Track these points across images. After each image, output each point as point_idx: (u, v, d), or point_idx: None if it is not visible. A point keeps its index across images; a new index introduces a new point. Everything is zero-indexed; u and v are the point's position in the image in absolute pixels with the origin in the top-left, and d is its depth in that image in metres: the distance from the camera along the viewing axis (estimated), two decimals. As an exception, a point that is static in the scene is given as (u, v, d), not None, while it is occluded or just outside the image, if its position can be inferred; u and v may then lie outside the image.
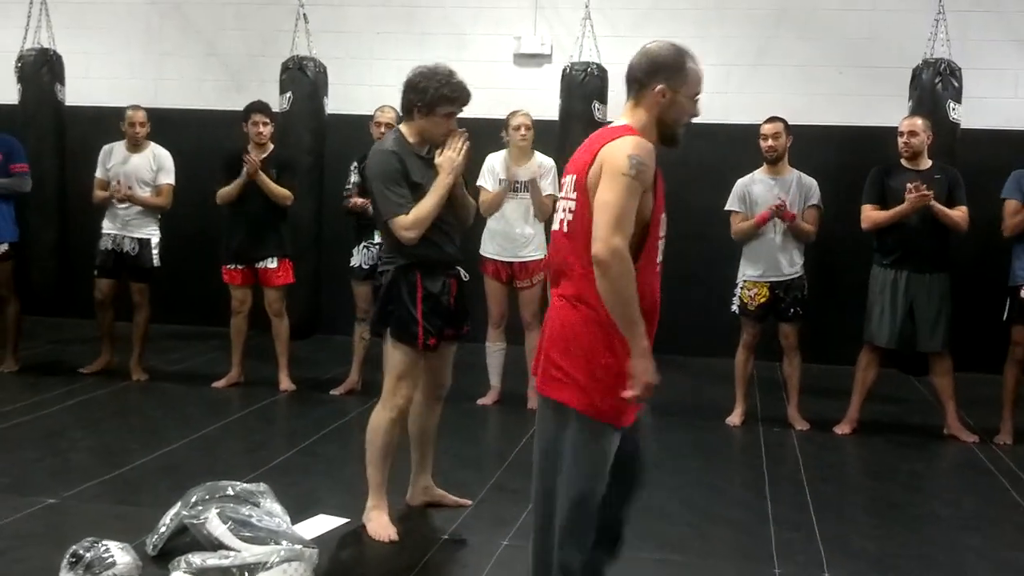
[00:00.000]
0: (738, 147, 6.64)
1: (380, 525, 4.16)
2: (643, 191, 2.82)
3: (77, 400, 6.20)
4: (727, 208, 6.13)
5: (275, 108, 6.77)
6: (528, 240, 6.16)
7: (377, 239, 5.47)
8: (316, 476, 4.94)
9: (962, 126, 6.54)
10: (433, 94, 4.04)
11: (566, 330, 2.92)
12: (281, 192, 6.36)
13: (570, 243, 2.93)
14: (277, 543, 3.65)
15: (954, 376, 5.97)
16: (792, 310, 6.05)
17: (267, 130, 6.44)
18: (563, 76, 7.13)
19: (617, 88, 7.09)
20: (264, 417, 6.13)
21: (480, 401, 6.32)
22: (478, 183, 6.06)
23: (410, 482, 4.53)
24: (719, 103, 7.16)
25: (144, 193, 6.63)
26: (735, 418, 6.16)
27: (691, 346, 7.46)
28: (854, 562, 4.11)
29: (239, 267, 6.52)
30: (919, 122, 5.90)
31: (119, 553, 3.55)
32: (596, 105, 6.99)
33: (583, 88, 7.00)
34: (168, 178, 6.70)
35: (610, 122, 3.06)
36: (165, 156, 6.72)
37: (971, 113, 6.73)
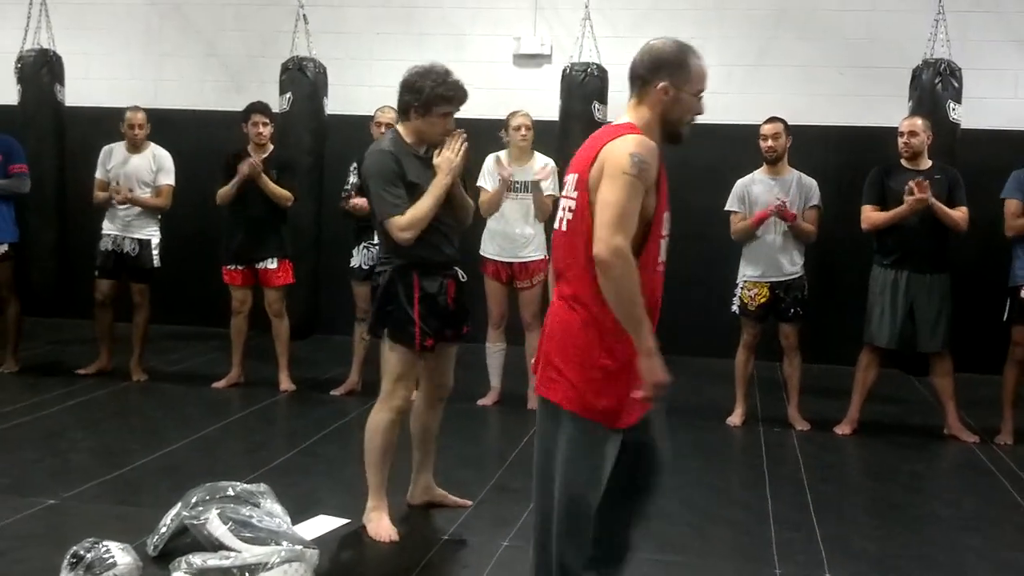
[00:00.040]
0: (738, 147, 6.64)
1: (380, 526, 4.16)
2: (646, 190, 2.79)
3: (77, 401, 6.20)
4: (727, 208, 6.13)
5: (275, 109, 6.77)
6: (528, 240, 6.16)
7: (376, 240, 5.46)
8: (316, 477, 4.93)
9: (962, 126, 6.54)
10: (429, 94, 4.02)
11: (563, 331, 2.91)
12: (282, 193, 6.36)
13: (569, 242, 2.92)
14: (278, 544, 3.65)
15: (954, 376, 5.97)
16: (792, 310, 6.05)
17: (267, 131, 6.44)
18: (563, 76, 7.13)
19: (617, 88, 7.15)
20: (264, 417, 6.12)
21: (480, 401, 6.32)
22: (478, 183, 6.06)
23: (411, 481, 4.53)
24: (719, 103, 7.09)
25: (144, 194, 6.63)
26: (735, 418, 6.16)
27: (691, 346, 7.45)
28: (854, 562, 4.11)
29: (239, 268, 6.52)
30: (919, 122, 5.90)
31: (120, 554, 3.55)
32: (596, 106, 6.99)
33: (583, 88, 7.00)
34: (168, 179, 6.70)
35: (613, 121, 3.03)
36: (165, 157, 6.72)
37: (971, 113, 6.73)
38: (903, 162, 5.90)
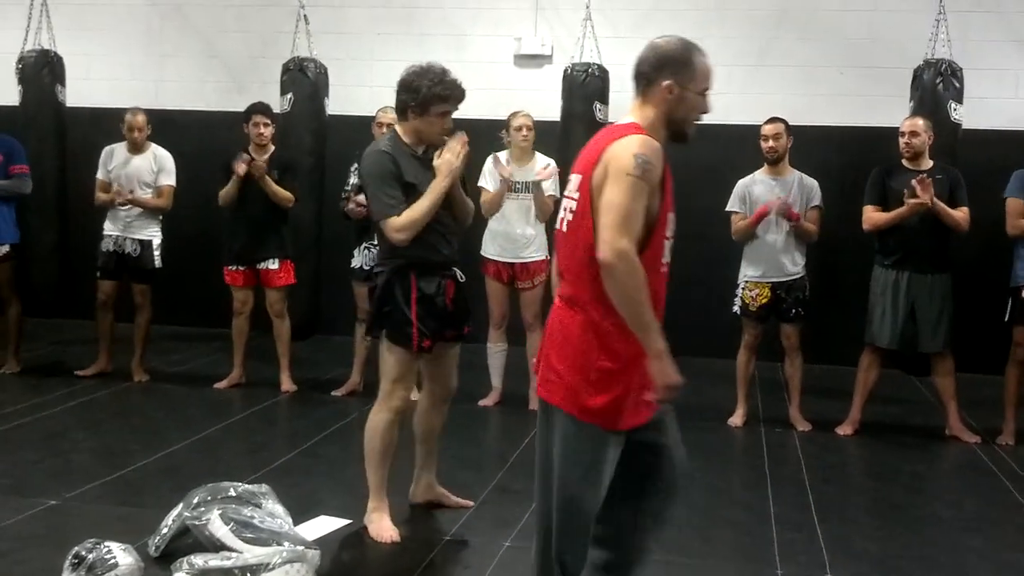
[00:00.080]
0: (739, 148, 6.64)
1: (382, 527, 4.16)
2: (650, 191, 2.75)
3: (78, 401, 6.20)
4: (728, 209, 6.13)
5: (276, 109, 6.77)
6: (529, 241, 6.16)
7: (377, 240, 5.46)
8: (318, 477, 4.93)
9: (963, 127, 6.54)
10: (426, 93, 4.01)
11: (563, 332, 2.90)
12: (283, 194, 6.36)
13: (568, 243, 2.90)
14: (279, 544, 3.65)
15: (956, 377, 5.97)
16: (794, 311, 6.05)
17: (268, 131, 6.44)
18: (564, 77, 7.13)
19: (618, 89, 7.16)
20: (266, 418, 6.12)
21: (481, 402, 6.32)
22: (479, 184, 6.05)
23: (413, 480, 4.53)
24: (720, 103, 7.02)
25: (145, 194, 6.63)
26: (737, 419, 6.16)
27: (692, 347, 7.41)
28: (856, 563, 4.10)
29: (240, 268, 6.53)
30: (920, 122, 5.90)
31: (121, 554, 3.55)
32: (597, 106, 6.99)
33: (584, 89, 6.99)
34: (169, 179, 6.69)
35: (616, 121, 3.00)
36: (166, 157, 6.72)
37: (972, 113, 6.73)
38: (904, 162, 5.90)
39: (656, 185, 2.78)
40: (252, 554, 3.59)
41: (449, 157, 4.08)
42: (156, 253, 6.68)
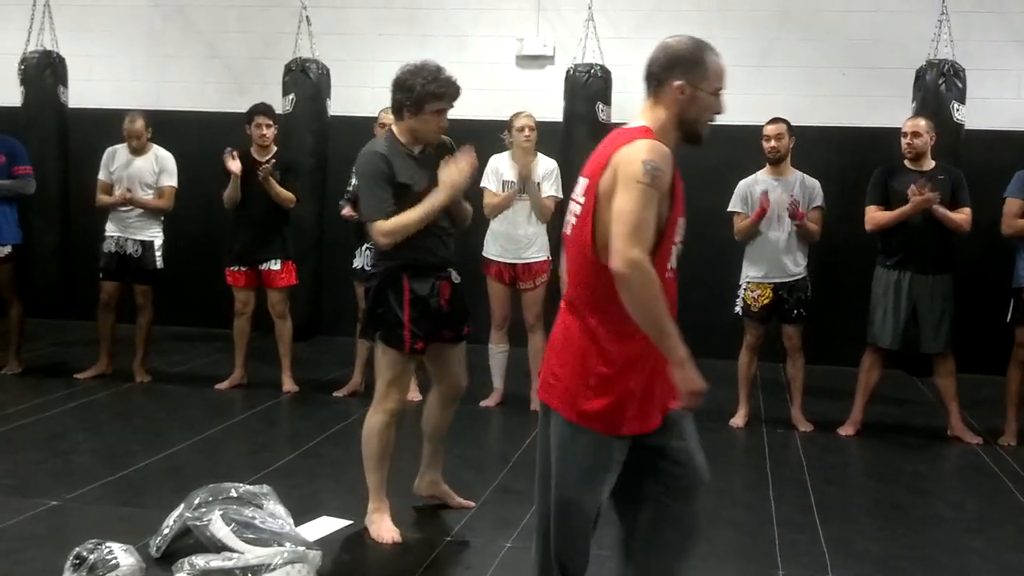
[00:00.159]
0: (740, 148, 6.64)
1: (383, 527, 4.16)
2: (660, 197, 2.69)
3: (79, 402, 6.20)
4: (730, 209, 6.13)
5: (278, 110, 6.78)
6: (531, 241, 6.16)
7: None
8: (319, 478, 4.94)
9: (965, 127, 6.53)
10: (420, 92, 3.98)
11: (564, 335, 2.89)
12: (285, 195, 6.36)
13: (572, 246, 2.88)
14: (280, 545, 3.65)
15: (957, 377, 5.96)
16: (795, 311, 6.04)
17: (270, 132, 6.44)
18: (566, 78, 7.13)
19: (620, 90, 7.16)
20: (267, 419, 6.13)
21: (483, 403, 6.32)
22: (481, 184, 6.05)
23: (419, 473, 4.52)
24: (721, 104, 7.15)
25: (147, 195, 6.63)
26: (738, 419, 6.15)
27: (693, 347, 7.42)
28: (858, 564, 4.10)
29: (242, 269, 6.53)
30: (922, 123, 5.89)
31: (122, 555, 3.55)
32: (600, 106, 6.99)
33: (587, 90, 7.00)
34: (171, 180, 6.70)
35: (626, 123, 2.96)
36: (168, 158, 6.72)
37: (974, 114, 6.72)
38: (906, 163, 5.89)
39: (666, 191, 2.72)
40: (253, 555, 3.59)
41: (455, 176, 4.02)
42: (158, 254, 6.68)
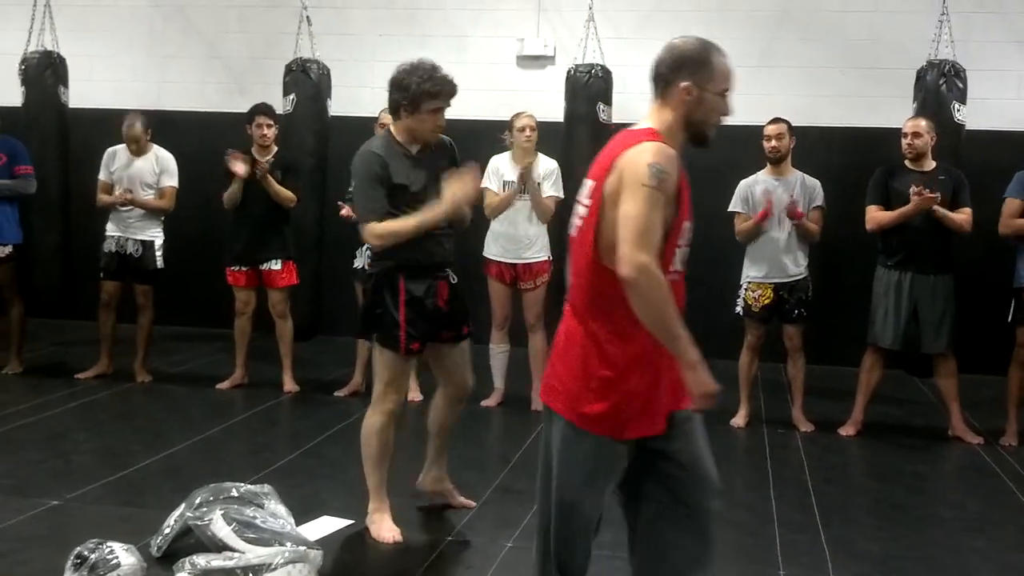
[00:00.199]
0: (741, 148, 6.63)
1: (383, 527, 4.16)
2: (666, 200, 2.66)
3: (80, 402, 6.20)
4: (730, 209, 6.13)
5: (279, 110, 6.77)
6: (532, 241, 6.16)
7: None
8: (320, 478, 4.93)
9: (966, 127, 6.53)
10: (416, 90, 3.97)
11: (567, 338, 2.87)
12: (285, 194, 6.36)
13: (575, 249, 2.86)
14: (281, 544, 3.65)
15: (958, 378, 5.96)
16: (796, 311, 6.04)
17: (271, 132, 6.44)
18: (567, 78, 7.13)
19: (621, 90, 7.16)
20: (268, 419, 6.13)
21: (484, 403, 6.31)
22: (482, 185, 6.05)
23: (424, 468, 4.52)
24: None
25: (147, 196, 6.63)
26: (739, 420, 6.15)
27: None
28: (858, 564, 4.10)
29: (243, 269, 6.53)
30: (923, 123, 5.89)
31: (123, 555, 3.55)
32: (601, 107, 6.99)
33: (587, 90, 6.99)
34: (171, 181, 6.69)
35: (627, 123, 2.93)
36: (168, 159, 6.72)
37: (974, 114, 6.71)
38: (907, 163, 5.89)
39: (672, 194, 2.70)
40: (254, 554, 3.59)
41: (459, 194, 3.98)
42: (158, 254, 6.68)
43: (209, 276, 7.29)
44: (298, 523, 4.05)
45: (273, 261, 6.49)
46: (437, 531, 4.30)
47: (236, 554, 3.61)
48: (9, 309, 6.79)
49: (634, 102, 7.08)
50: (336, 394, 6.52)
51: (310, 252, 6.96)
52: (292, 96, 7.08)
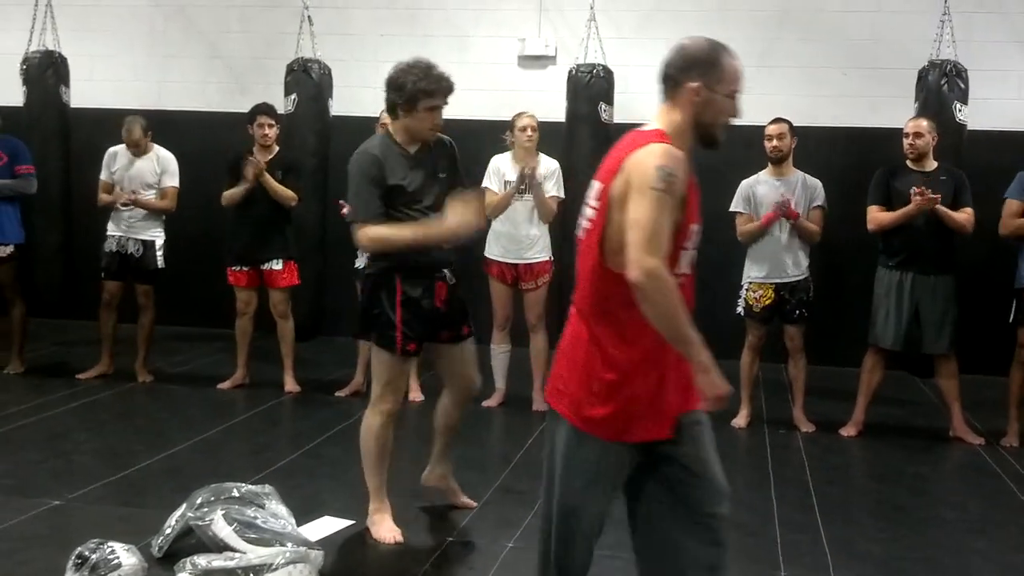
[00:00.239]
0: (742, 149, 6.62)
1: (384, 528, 4.16)
2: (675, 203, 2.63)
3: (81, 402, 6.20)
4: (732, 209, 6.12)
5: (280, 110, 6.77)
6: (533, 242, 6.15)
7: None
8: (321, 478, 4.93)
9: (968, 128, 6.53)
10: (412, 89, 3.96)
11: (572, 341, 2.86)
12: (286, 193, 6.36)
13: (581, 252, 2.84)
14: (282, 545, 3.65)
15: (960, 378, 5.96)
16: (797, 312, 6.04)
17: (272, 132, 6.44)
18: (569, 78, 7.12)
19: (622, 90, 7.16)
20: (269, 419, 6.13)
21: (485, 403, 6.31)
22: (483, 184, 6.05)
23: (429, 465, 4.52)
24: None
25: (148, 196, 6.63)
26: (740, 420, 6.15)
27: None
28: (860, 564, 4.10)
29: (244, 269, 6.53)
30: (924, 123, 5.89)
31: (124, 555, 3.55)
32: (602, 107, 6.98)
33: (589, 90, 6.99)
34: (173, 181, 6.69)
35: (628, 123, 2.91)
36: (169, 159, 6.72)
37: (976, 114, 6.71)
38: (908, 163, 5.89)
39: (680, 197, 2.67)
40: (255, 555, 3.59)
41: (460, 224, 3.93)
42: (159, 254, 6.68)
43: (210, 276, 7.29)
44: (299, 523, 4.05)
45: (274, 261, 6.49)
46: (438, 531, 4.30)
47: (237, 554, 3.61)
48: (11, 309, 6.79)
49: (636, 102, 7.10)
50: (337, 394, 6.52)
51: (312, 252, 6.97)
52: (293, 96, 7.08)
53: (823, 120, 7.61)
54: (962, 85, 6.49)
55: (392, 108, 4.07)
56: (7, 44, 7.77)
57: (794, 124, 6.09)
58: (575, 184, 6.40)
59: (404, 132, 4.08)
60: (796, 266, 6.02)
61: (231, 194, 6.36)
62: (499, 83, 7.99)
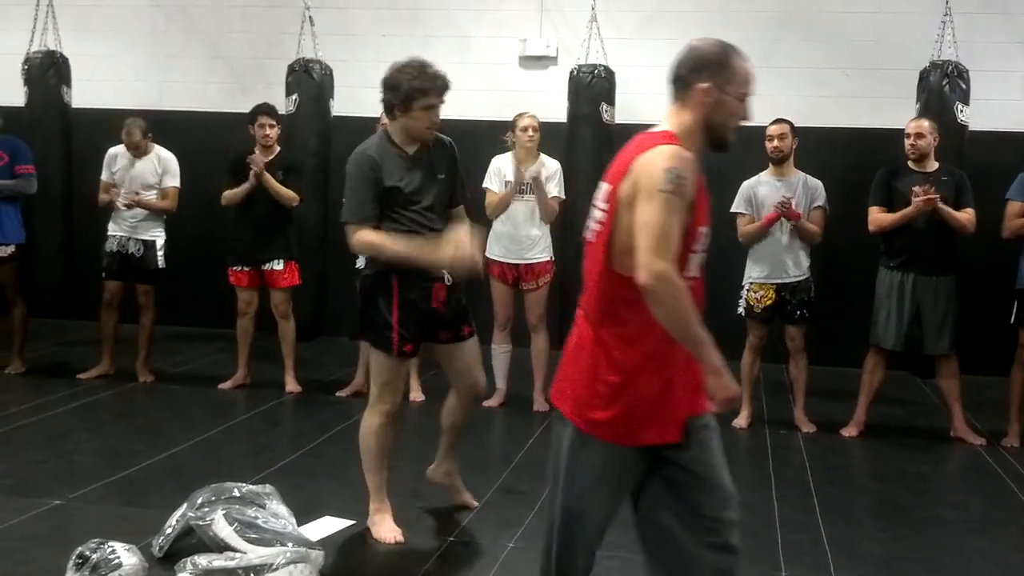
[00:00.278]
0: (743, 149, 6.59)
1: (385, 528, 4.16)
2: (684, 205, 2.61)
3: (82, 402, 6.20)
4: (733, 210, 6.11)
5: (281, 110, 6.77)
6: (534, 242, 6.15)
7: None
8: (322, 478, 4.93)
9: (969, 128, 6.53)
10: (407, 88, 3.95)
11: (578, 343, 2.85)
12: (287, 194, 6.36)
13: (588, 254, 2.83)
14: (283, 545, 3.65)
15: (961, 378, 5.96)
16: (798, 312, 6.04)
17: (273, 132, 6.44)
18: (570, 78, 7.13)
19: (623, 90, 7.15)
20: (270, 419, 6.13)
21: (486, 403, 6.26)
22: (484, 185, 6.06)
23: (436, 460, 4.53)
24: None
25: (149, 196, 6.64)
26: (741, 420, 6.14)
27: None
28: (860, 565, 4.10)
29: (245, 269, 6.53)
30: (925, 124, 5.89)
31: (125, 554, 3.55)
32: (604, 107, 6.98)
33: (590, 90, 6.99)
34: (174, 181, 6.70)
35: (629, 123, 2.90)
36: (170, 159, 6.72)
37: (978, 115, 6.72)
38: (910, 164, 5.89)
39: (690, 199, 2.65)
40: (256, 554, 3.59)
41: (457, 258, 3.89)
42: (160, 254, 6.68)
43: (211, 276, 7.29)
44: (300, 523, 4.05)
45: (275, 261, 6.49)
46: (439, 531, 4.30)
47: (238, 554, 3.61)
48: (11, 309, 6.79)
49: (637, 103, 7.11)
50: (338, 394, 6.52)
51: (313, 252, 6.97)
52: (295, 96, 7.09)
53: (824, 121, 7.60)
54: (963, 86, 6.49)
55: (389, 108, 4.07)
56: (8, 44, 7.78)
57: (795, 124, 6.08)
58: (577, 185, 6.41)
59: (402, 132, 4.07)
60: (797, 267, 6.01)
61: (231, 194, 6.36)
62: (500, 83, 7.99)
